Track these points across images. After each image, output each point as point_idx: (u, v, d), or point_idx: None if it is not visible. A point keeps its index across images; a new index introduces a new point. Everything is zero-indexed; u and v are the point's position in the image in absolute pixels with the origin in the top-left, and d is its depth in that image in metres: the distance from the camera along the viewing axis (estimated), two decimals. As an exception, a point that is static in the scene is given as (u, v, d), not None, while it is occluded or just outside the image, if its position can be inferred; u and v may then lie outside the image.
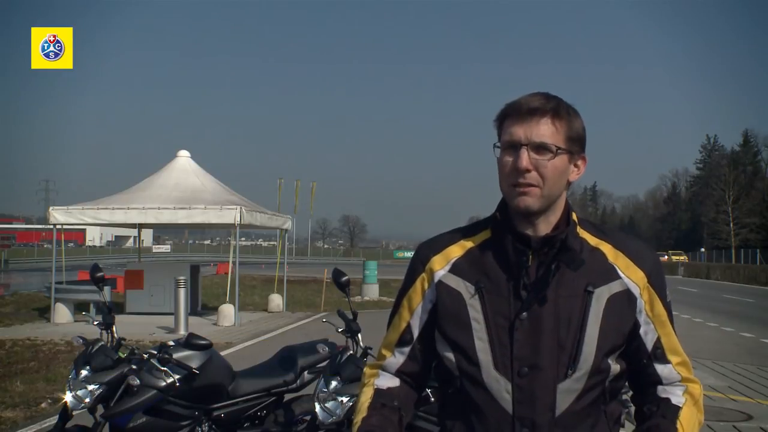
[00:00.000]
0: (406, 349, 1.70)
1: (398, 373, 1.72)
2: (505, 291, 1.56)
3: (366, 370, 1.78)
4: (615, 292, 1.57)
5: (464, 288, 1.60)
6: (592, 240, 1.62)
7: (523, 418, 1.53)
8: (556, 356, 1.53)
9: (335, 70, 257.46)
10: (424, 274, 1.67)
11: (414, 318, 1.68)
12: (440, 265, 1.65)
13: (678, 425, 1.57)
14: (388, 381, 1.71)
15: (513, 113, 1.55)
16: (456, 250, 1.65)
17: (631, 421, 3.85)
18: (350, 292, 4.45)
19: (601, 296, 1.55)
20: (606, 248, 1.61)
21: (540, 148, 1.52)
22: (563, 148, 1.54)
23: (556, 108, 1.54)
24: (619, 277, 1.58)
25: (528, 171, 1.51)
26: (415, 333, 1.68)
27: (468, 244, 1.66)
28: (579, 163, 1.60)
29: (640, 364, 1.63)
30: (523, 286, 1.55)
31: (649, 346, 1.61)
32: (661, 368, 1.62)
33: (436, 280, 1.64)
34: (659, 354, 1.62)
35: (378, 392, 1.69)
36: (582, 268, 1.56)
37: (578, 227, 1.63)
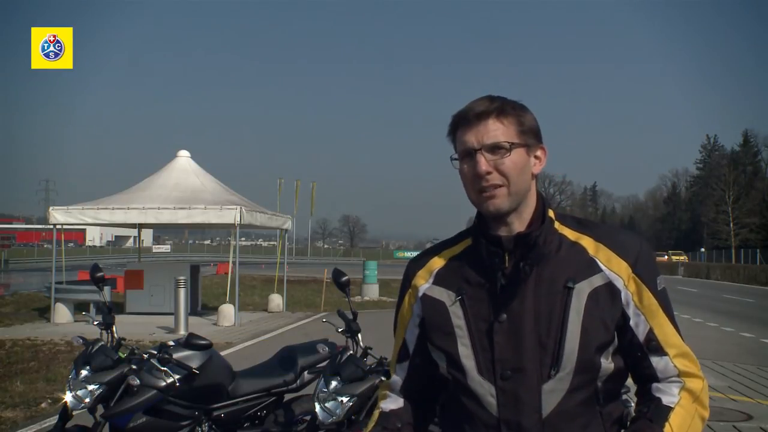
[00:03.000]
0: (405, 365, 1.74)
1: (403, 391, 1.75)
2: (484, 295, 1.57)
3: (378, 391, 1.83)
4: (596, 286, 1.53)
5: (447, 297, 1.62)
6: (572, 235, 1.60)
7: (508, 421, 1.52)
8: (538, 356, 1.51)
9: (335, 70, 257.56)
10: (410, 290, 1.72)
11: (407, 334, 1.73)
12: (424, 279, 1.69)
13: (666, 428, 1.51)
14: (393, 403, 1.76)
15: (462, 122, 1.57)
16: (438, 262, 1.69)
17: (631, 421, 3.84)
18: (350, 292, 4.44)
19: (581, 291, 1.53)
20: (586, 242, 1.59)
21: (494, 148, 1.53)
22: (517, 143, 1.54)
23: (500, 107, 1.56)
24: (601, 270, 1.55)
25: (489, 173, 1.52)
26: (411, 348, 1.72)
27: (449, 254, 1.69)
28: (539, 153, 1.60)
29: (635, 358, 1.58)
30: (500, 288, 1.55)
31: (642, 338, 1.55)
32: (656, 361, 1.56)
33: (420, 294, 1.68)
34: (653, 346, 1.56)
35: (382, 416, 1.74)
36: (562, 264, 1.55)
37: (557, 223, 1.62)
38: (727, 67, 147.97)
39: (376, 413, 1.76)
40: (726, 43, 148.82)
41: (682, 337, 1.60)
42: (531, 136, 1.58)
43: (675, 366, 1.56)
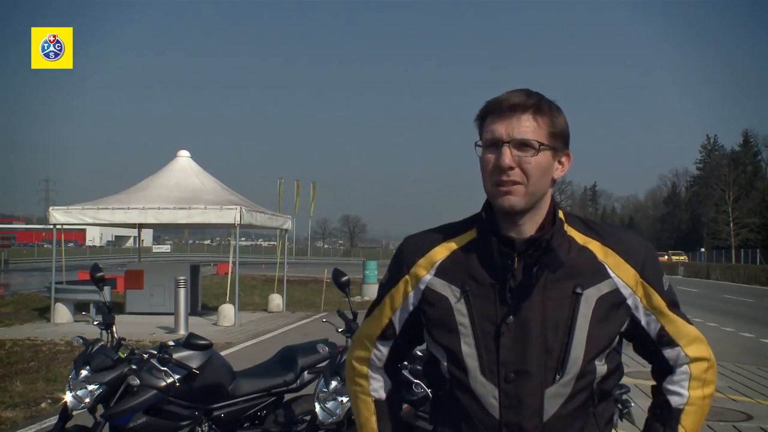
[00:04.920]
0: (389, 344, 1.72)
1: (385, 366, 1.74)
2: (492, 295, 1.54)
3: (354, 364, 1.77)
4: (604, 293, 1.54)
5: (450, 292, 1.58)
6: (580, 238, 1.59)
7: (510, 424, 1.51)
8: (543, 361, 1.50)
9: (336, 70, 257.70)
10: (407, 277, 1.66)
11: (396, 316, 1.69)
12: (425, 270, 1.63)
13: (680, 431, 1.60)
14: (382, 389, 1.74)
15: (494, 110, 1.53)
16: (441, 252, 1.63)
17: (630, 420, 3.83)
18: (350, 292, 4.44)
19: (590, 298, 1.53)
20: (594, 246, 1.58)
21: (522, 144, 1.49)
22: (546, 144, 1.51)
23: (537, 104, 1.52)
24: (609, 277, 1.55)
25: (511, 168, 1.49)
26: (398, 329, 1.69)
27: (453, 245, 1.63)
28: (563, 159, 1.58)
29: (650, 352, 1.65)
30: (509, 290, 1.53)
31: (654, 335, 1.61)
32: (669, 352, 1.63)
33: (422, 286, 1.63)
34: (665, 340, 1.61)
35: (379, 405, 1.73)
36: (570, 269, 1.54)
37: (566, 225, 1.60)
38: (727, 67, 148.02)
39: (369, 401, 1.73)
40: (726, 43, 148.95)
41: (690, 323, 1.65)
42: (560, 140, 1.55)
43: (686, 354, 1.63)
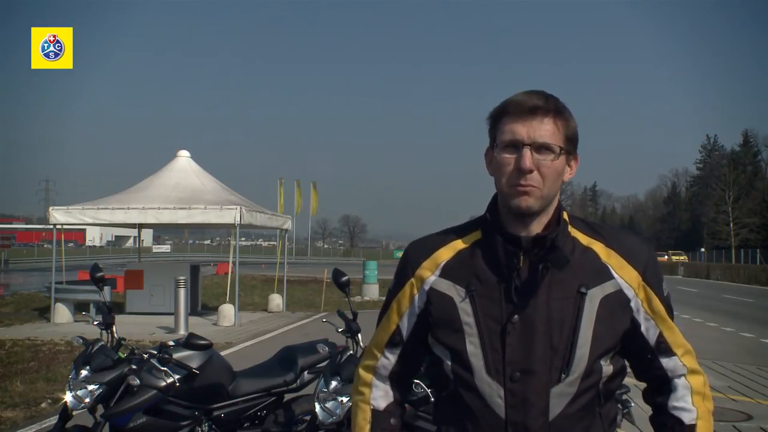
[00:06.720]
0: (397, 351, 1.71)
1: (391, 375, 1.73)
2: (497, 294, 1.54)
3: (360, 372, 1.77)
4: (608, 293, 1.55)
5: (455, 292, 1.58)
6: (584, 239, 1.60)
7: (516, 423, 1.51)
8: (548, 360, 1.50)
9: (336, 70, 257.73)
10: (413, 280, 1.66)
11: (403, 321, 1.68)
12: (430, 271, 1.63)
13: None
14: (383, 399, 1.73)
15: (513, 111, 1.52)
16: (445, 253, 1.63)
17: (630, 420, 3.83)
18: (350, 292, 4.44)
19: (594, 297, 1.53)
20: (598, 247, 1.59)
21: (542, 148, 1.49)
22: (564, 149, 1.52)
23: (556, 107, 1.53)
24: (613, 278, 1.56)
25: (531, 172, 1.49)
26: (405, 335, 1.69)
27: (458, 245, 1.63)
28: (572, 163, 1.59)
29: (644, 360, 1.62)
30: (515, 289, 1.53)
31: (652, 341, 1.60)
32: (666, 361, 1.61)
33: (426, 287, 1.63)
34: (663, 348, 1.60)
35: (376, 415, 1.71)
36: (575, 269, 1.54)
37: (570, 226, 1.61)
38: (726, 66, 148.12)
39: (367, 410, 1.72)
40: (726, 42, 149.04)
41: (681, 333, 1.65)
42: (573, 144, 1.56)
43: (684, 365, 1.62)
